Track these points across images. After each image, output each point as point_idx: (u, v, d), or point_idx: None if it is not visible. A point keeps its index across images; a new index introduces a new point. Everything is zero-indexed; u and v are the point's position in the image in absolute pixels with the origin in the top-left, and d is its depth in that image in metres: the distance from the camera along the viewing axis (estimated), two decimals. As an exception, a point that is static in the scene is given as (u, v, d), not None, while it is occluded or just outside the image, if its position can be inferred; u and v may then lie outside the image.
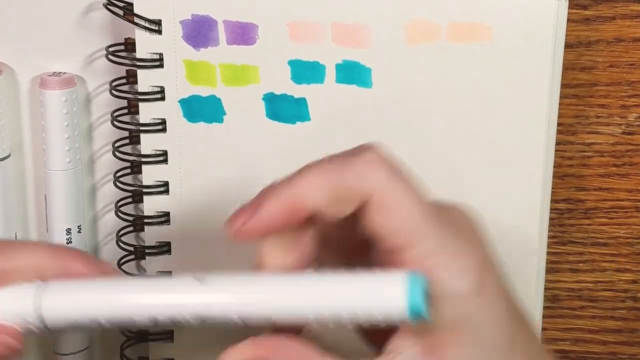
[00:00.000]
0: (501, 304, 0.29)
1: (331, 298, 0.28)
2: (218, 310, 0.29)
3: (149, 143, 0.40)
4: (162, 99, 0.39)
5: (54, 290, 0.30)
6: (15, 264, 0.31)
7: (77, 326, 0.30)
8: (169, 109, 0.39)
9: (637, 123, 0.42)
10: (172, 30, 0.38)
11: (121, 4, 0.38)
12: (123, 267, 0.42)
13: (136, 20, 0.38)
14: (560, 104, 0.39)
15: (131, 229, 0.42)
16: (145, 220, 0.41)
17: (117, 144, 0.41)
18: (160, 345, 0.42)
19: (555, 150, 0.40)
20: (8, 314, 0.30)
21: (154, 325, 0.29)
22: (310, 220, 0.29)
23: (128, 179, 0.41)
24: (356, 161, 0.29)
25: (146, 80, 0.39)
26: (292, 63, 0.38)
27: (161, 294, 0.29)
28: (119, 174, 0.41)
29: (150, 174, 0.40)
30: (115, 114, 0.41)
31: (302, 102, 0.39)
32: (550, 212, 0.41)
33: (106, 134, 0.42)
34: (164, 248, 0.41)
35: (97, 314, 0.29)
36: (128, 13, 0.38)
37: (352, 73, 0.38)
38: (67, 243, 0.41)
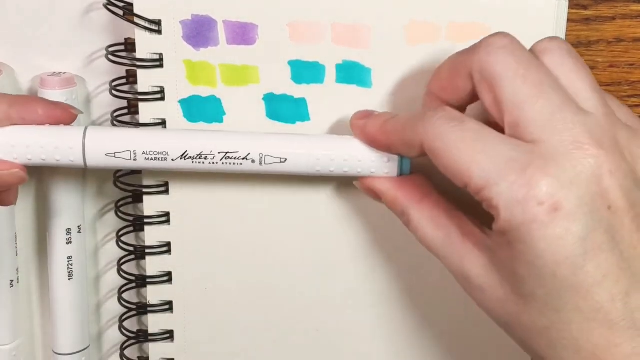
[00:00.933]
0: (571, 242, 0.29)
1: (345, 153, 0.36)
2: (241, 147, 0.36)
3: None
4: (162, 99, 0.39)
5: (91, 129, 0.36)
6: None
7: (114, 165, 0.36)
8: (169, 109, 0.39)
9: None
10: (172, 30, 0.38)
11: (121, 4, 0.38)
12: (123, 267, 0.42)
13: (136, 20, 0.38)
14: (560, 104, 0.39)
15: (131, 229, 0.42)
16: (145, 221, 0.41)
17: (117, 144, 0.41)
18: (160, 345, 0.42)
19: (555, 150, 0.39)
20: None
21: (184, 162, 0.36)
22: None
23: (128, 179, 0.41)
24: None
25: (146, 80, 0.39)
26: (292, 63, 0.38)
27: (192, 132, 0.37)
28: (119, 174, 0.41)
29: (150, 174, 0.40)
30: (115, 114, 0.41)
31: (302, 102, 0.39)
32: (550, 212, 0.41)
33: (106, 134, 0.42)
34: (164, 248, 0.41)
35: (137, 147, 0.36)
36: (128, 13, 0.38)
37: (352, 73, 0.38)
38: (67, 243, 0.41)
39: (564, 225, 0.29)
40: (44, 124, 0.36)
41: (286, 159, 0.36)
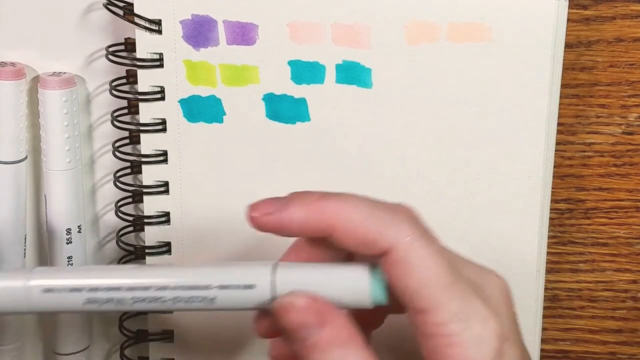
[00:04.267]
0: None
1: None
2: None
3: (149, 143, 0.40)
4: (162, 99, 0.39)
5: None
6: None
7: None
8: (169, 109, 0.39)
9: (637, 123, 0.42)
10: (172, 30, 0.38)
11: (121, 4, 0.38)
12: (123, 267, 0.42)
13: (136, 20, 0.38)
14: (560, 104, 0.39)
15: (131, 229, 0.42)
16: (145, 220, 0.41)
17: (117, 144, 0.41)
18: (160, 345, 0.42)
19: (555, 150, 0.40)
20: None
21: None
22: (328, 246, 0.30)
23: (128, 179, 0.41)
24: (392, 210, 0.29)
25: (146, 80, 0.39)
26: (292, 63, 0.38)
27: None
28: (119, 174, 0.41)
29: (150, 174, 0.40)
30: (115, 114, 0.41)
31: (302, 102, 0.39)
32: (550, 212, 0.41)
33: (106, 134, 0.42)
34: (164, 248, 0.41)
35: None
36: (128, 13, 0.38)
37: (352, 73, 0.38)
38: (67, 243, 0.41)
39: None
40: None
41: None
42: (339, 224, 0.29)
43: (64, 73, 0.40)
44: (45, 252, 0.43)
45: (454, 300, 0.28)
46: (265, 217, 0.30)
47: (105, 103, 0.41)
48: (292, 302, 0.29)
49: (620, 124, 0.42)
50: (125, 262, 0.42)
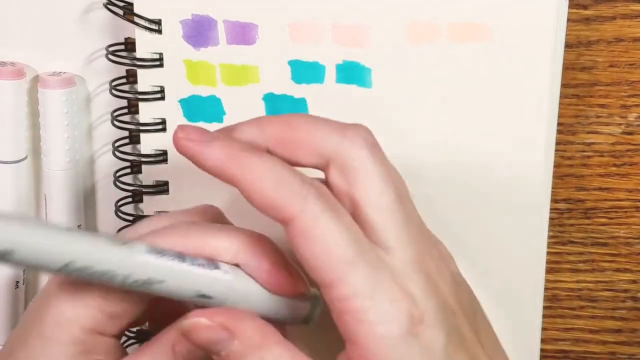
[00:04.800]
0: (438, 349, 0.29)
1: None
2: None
3: (149, 143, 0.40)
4: (162, 98, 0.39)
5: None
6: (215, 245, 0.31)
7: None
8: (169, 109, 0.39)
9: (637, 123, 0.42)
10: (172, 30, 0.38)
11: (121, 4, 0.38)
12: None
13: (136, 20, 0.38)
14: (560, 104, 0.39)
15: (131, 228, 0.42)
16: (145, 220, 0.41)
17: (117, 144, 0.41)
18: (160, 345, 0.42)
19: (555, 150, 0.40)
20: None
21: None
22: None
23: (128, 179, 0.41)
24: (302, 180, 0.29)
25: (146, 80, 0.39)
26: (292, 63, 0.38)
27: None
28: (118, 173, 0.41)
29: (150, 174, 0.40)
30: (115, 113, 0.41)
31: (302, 102, 0.39)
32: (550, 212, 0.41)
33: (106, 133, 0.42)
34: (164, 248, 0.41)
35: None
36: (128, 13, 0.38)
37: (352, 73, 0.38)
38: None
39: (429, 336, 0.29)
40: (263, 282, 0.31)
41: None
42: (245, 185, 0.29)
43: (64, 73, 0.40)
44: (45, 252, 0.43)
45: (357, 276, 0.28)
46: (187, 141, 0.30)
47: (105, 103, 0.41)
48: (196, 322, 0.29)
49: (620, 124, 0.42)
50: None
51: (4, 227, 0.28)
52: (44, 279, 0.44)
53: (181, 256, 0.30)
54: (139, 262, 0.30)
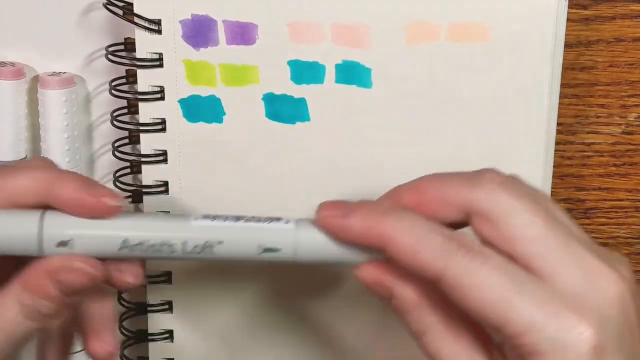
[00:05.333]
0: None
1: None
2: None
3: (149, 143, 0.40)
4: (162, 99, 0.39)
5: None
6: (15, 187, 0.31)
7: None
8: (169, 109, 0.39)
9: (637, 123, 0.42)
10: (172, 30, 0.38)
11: (121, 4, 0.38)
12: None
13: (136, 20, 0.38)
14: (560, 104, 0.39)
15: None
16: (145, 220, 0.41)
17: (117, 144, 0.41)
18: (160, 345, 0.42)
19: (555, 150, 0.40)
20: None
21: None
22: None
23: (128, 179, 0.41)
24: (448, 236, 0.29)
25: (146, 80, 0.39)
26: (292, 63, 0.38)
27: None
28: (118, 174, 0.41)
29: (150, 174, 0.40)
30: (115, 114, 0.41)
31: (302, 102, 0.39)
32: (550, 212, 0.41)
33: (106, 134, 0.42)
34: (164, 248, 0.41)
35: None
36: (128, 13, 0.38)
37: (352, 73, 0.38)
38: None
39: None
40: (72, 211, 0.31)
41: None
42: (391, 245, 0.29)
43: (64, 73, 0.40)
44: (45, 252, 0.43)
45: (522, 312, 0.28)
46: (328, 219, 0.31)
47: (105, 103, 0.41)
48: None
49: (620, 124, 0.42)
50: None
51: (61, 220, 0.30)
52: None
53: (236, 217, 0.31)
54: (192, 228, 0.31)
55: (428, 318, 0.30)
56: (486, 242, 0.30)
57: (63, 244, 0.30)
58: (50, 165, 0.33)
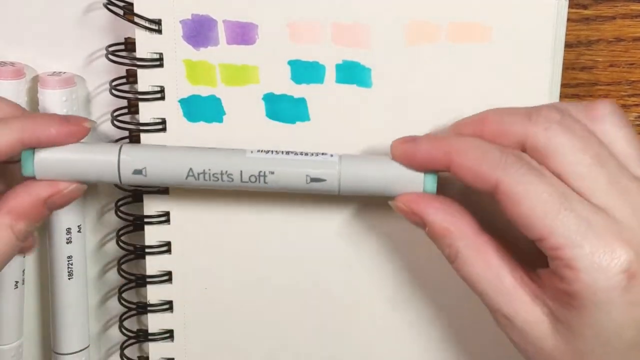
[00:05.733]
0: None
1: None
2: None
3: (149, 143, 0.40)
4: (162, 98, 0.39)
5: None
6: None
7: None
8: (169, 109, 0.39)
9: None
10: (172, 30, 0.38)
11: (121, 4, 0.38)
12: (123, 266, 0.42)
13: (136, 20, 0.38)
14: (560, 103, 0.39)
15: (131, 228, 0.42)
16: (146, 220, 0.41)
17: (117, 144, 0.41)
18: (160, 345, 0.42)
19: (555, 150, 0.39)
20: None
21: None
22: None
23: (128, 179, 0.41)
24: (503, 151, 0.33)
25: (146, 80, 0.39)
26: (292, 63, 0.38)
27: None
28: (119, 173, 0.41)
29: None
30: (115, 113, 0.41)
31: (302, 102, 0.39)
32: (550, 212, 0.41)
33: (106, 133, 0.42)
34: (164, 247, 0.41)
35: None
36: (128, 13, 0.38)
37: (352, 73, 0.38)
38: (67, 243, 0.41)
39: (639, 291, 0.30)
40: (59, 142, 0.35)
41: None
42: (454, 160, 0.33)
43: (64, 73, 0.40)
44: (45, 252, 0.43)
45: (565, 227, 0.30)
46: (400, 144, 0.35)
47: (105, 103, 0.41)
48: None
49: (620, 124, 0.42)
50: (125, 262, 0.42)
51: (136, 151, 0.36)
52: (44, 280, 0.44)
53: (286, 151, 0.36)
54: (248, 159, 0.36)
55: (458, 243, 0.34)
56: None
57: (137, 171, 0.35)
58: (17, 110, 0.37)
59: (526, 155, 0.33)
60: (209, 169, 0.35)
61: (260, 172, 0.35)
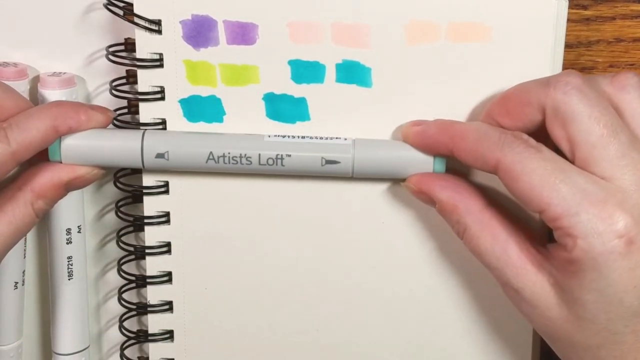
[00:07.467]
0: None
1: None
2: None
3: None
4: (162, 99, 0.39)
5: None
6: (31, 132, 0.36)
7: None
8: (169, 109, 0.39)
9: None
10: (172, 30, 0.38)
11: (121, 4, 0.38)
12: (123, 267, 0.42)
13: (136, 20, 0.38)
14: (560, 104, 0.39)
15: (131, 229, 0.42)
16: (146, 220, 0.41)
17: (117, 144, 0.41)
18: (160, 346, 0.42)
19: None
20: None
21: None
22: None
23: (128, 179, 0.41)
24: (501, 131, 0.35)
25: (146, 80, 0.39)
26: (292, 63, 0.38)
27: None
28: (119, 173, 0.41)
29: (150, 175, 0.40)
30: (116, 113, 0.41)
31: (302, 102, 0.39)
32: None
33: (106, 134, 0.42)
34: (164, 248, 0.41)
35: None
36: (128, 13, 0.38)
37: (352, 73, 0.38)
38: (67, 243, 0.41)
39: (637, 257, 0.31)
40: (87, 128, 0.37)
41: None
42: (457, 144, 0.35)
43: (64, 73, 0.40)
44: (45, 252, 0.43)
45: (563, 197, 0.32)
46: (410, 126, 0.37)
47: (105, 103, 0.41)
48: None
49: (620, 124, 0.42)
50: (125, 263, 0.42)
51: (158, 135, 0.38)
52: (44, 280, 0.44)
53: (302, 136, 0.38)
54: (265, 142, 0.37)
55: (465, 218, 0.35)
56: (555, 141, 0.34)
57: (160, 155, 0.37)
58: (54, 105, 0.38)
59: (524, 134, 0.34)
60: (229, 152, 0.37)
61: (278, 155, 0.37)
